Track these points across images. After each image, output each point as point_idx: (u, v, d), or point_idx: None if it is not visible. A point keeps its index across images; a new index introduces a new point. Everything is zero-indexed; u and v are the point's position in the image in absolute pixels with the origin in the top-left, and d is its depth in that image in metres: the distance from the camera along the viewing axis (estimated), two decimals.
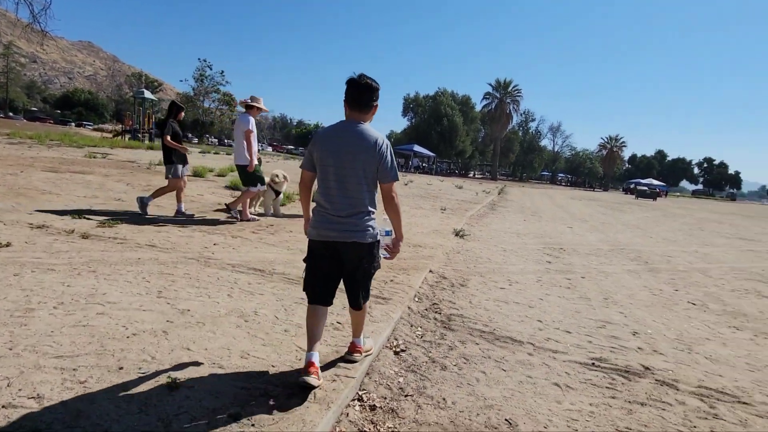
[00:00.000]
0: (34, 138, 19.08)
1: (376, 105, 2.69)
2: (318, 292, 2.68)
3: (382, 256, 2.83)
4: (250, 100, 7.15)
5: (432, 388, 2.87)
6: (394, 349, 3.38)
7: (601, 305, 5.11)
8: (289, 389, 2.46)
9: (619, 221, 16.59)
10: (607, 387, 3.13)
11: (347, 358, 2.89)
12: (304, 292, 2.73)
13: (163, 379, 2.40)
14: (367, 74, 2.65)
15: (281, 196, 8.34)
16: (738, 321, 5.06)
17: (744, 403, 3.08)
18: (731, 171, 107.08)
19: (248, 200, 7.52)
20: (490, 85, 61.43)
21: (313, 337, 2.61)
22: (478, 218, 12.52)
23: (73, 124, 68.67)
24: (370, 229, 2.61)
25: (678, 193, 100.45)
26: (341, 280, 2.75)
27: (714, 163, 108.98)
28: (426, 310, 4.28)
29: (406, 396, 2.74)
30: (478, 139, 67.88)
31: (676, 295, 6.00)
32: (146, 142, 30.50)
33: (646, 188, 50.65)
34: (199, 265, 4.57)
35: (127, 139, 31.48)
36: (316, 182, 2.75)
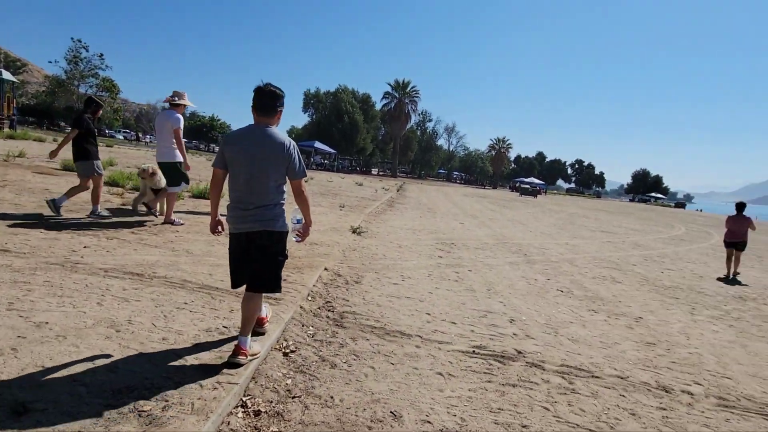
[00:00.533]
0: None
1: (281, 110, 2.97)
2: (241, 279, 2.98)
3: (294, 239, 3.26)
4: (175, 97, 6.68)
5: (320, 387, 2.88)
6: (283, 350, 3.32)
7: (484, 296, 5.51)
8: (164, 401, 2.30)
9: (504, 217, 18.00)
10: (484, 372, 3.39)
11: (231, 361, 2.81)
12: (234, 280, 3.01)
13: (7, 404, 2.11)
14: (272, 83, 2.93)
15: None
16: (596, 305, 5.78)
17: (596, 377, 3.53)
18: (597, 171, 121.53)
19: (173, 202, 6.95)
20: (390, 85, 63.10)
21: (246, 323, 2.94)
22: (376, 215, 12.78)
23: None
24: (279, 219, 2.92)
25: (555, 191, 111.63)
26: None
27: (584, 164, 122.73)
28: (319, 308, 4.27)
29: (293, 398, 2.71)
30: (378, 137, 69.22)
31: (548, 283, 6.67)
32: (5, 130, 26.36)
33: (528, 186, 55.54)
34: (63, 271, 4.08)
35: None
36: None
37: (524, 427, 2.70)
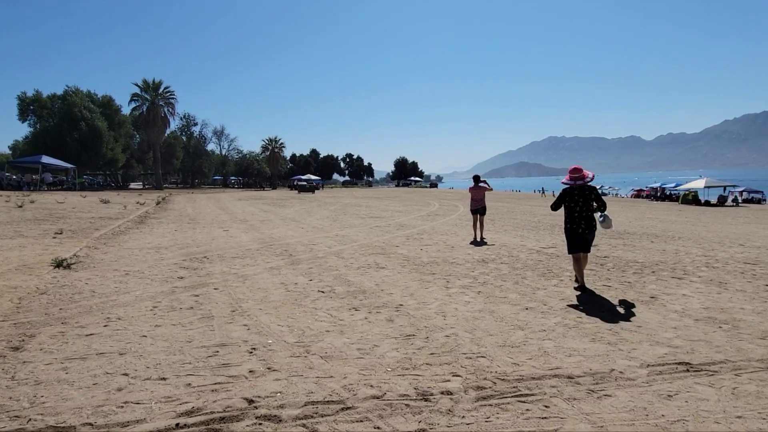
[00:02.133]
0: None
1: None
2: None
3: None
4: None
5: None
6: None
7: (224, 321, 4.33)
8: None
9: (278, 216, 17.07)
10: None
11: None
12: None
13: None
14: None
15: None
16: (357, 300, 5.21)
17: (347, 408, 2.74)
18: (366, 163, 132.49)
19: None
20: (137, 85, 54.85)
21: None
22: (111, 237, 10.21)
23: None
24: None
25: (332, 185, 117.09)
26: None
27: (354, 157, 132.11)
28: None
29: None
30: (133, 146, 59.97)
31: (309, 285, 5.89)
32: None
33: (305, 183, 56.16)
34: None
35: None
36: None
37: None
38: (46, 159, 34.33)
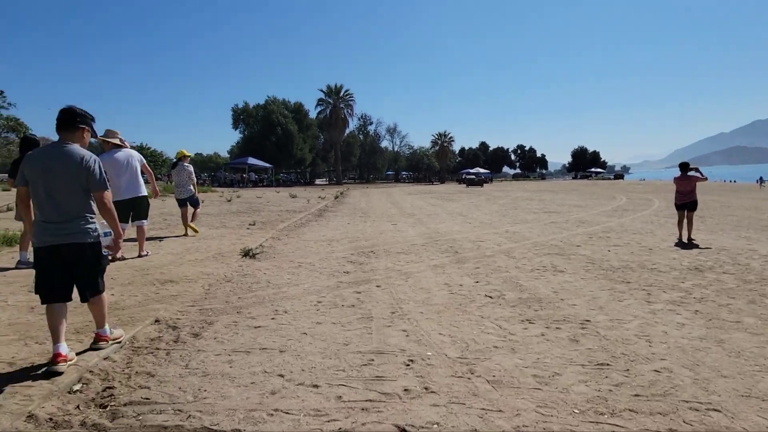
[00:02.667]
0: None
1: (83, 128, 3.15)
2: (51, 292, 3.01)
3: (105, 253, 3.27)
4: (113, 138, 6.81)
5: None
6: None
7: (383, 324, 4.05)
8: None
9: (445, 211, 16.82)
10: None
11: (93, 346, 3.22)
12: (38, 295, 3.03)
13: None
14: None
15: None
16: (532, 311, 4.45)
17: None
18: (539, 154, 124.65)
19: None
20: (322, 91, 61.22)
21: (56, 332, 2.96)
22: (293, 229, 11.15)
23: None
24: (88, 231, 3.08)
25: (502, 178, 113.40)
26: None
27: (526, 149, 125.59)
28: (80, 406, 2.63)
29: None
30: (318, 146, 67.14)
31: (475, 288, 5.32)
32: None
33: (474, 177, 55.32)
34: None
35: None
36: None
37: None
38: (251, 160, 40.58)
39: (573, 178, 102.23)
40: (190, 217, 9.48)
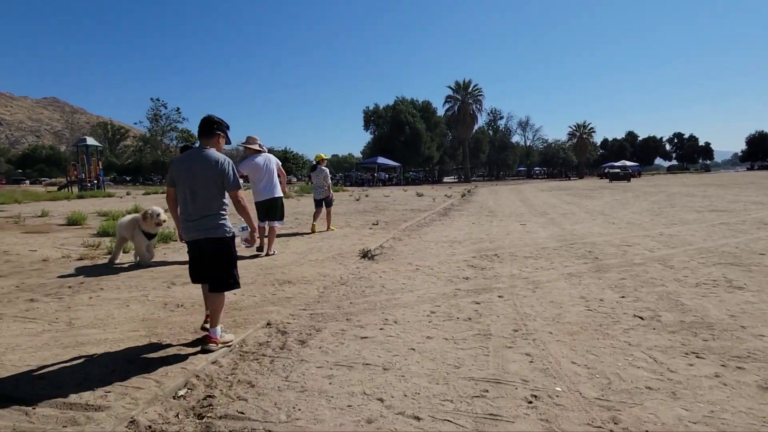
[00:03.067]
0: None
1: (220, 134, 3.53)
2: (197, 277, 3.51)
3: (244, 245, 3.82)
4: (253, 144, 7.31)
5: None
6: None
7: (502, 344, 3.50)
8: None
9: (583, 209, 15.19)
10: None
11: (203, 348, 3.32)
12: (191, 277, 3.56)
13: None
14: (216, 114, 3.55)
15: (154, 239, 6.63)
16: (699, 340, 3.50)
17: None
18: (702, 143, 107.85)
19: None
20: (450, 87, 60.54)
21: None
22: (415, 228, 10.93)
23: (27, 181, 65.05)
24: (221, 227, 3.39)
25: (653, 172, 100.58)
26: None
27: (684, 137, 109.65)
28: (179, 414, 2.59)
29: None
30: (447, 143, 66.66)
31: (620, 305, 4.43)
32: (73, 191, 28.10)
33: (618, 170, 49.86)
34: None
35: (75, 190, 28.79)
36: None
37: None
38: (380, 159, 41.85)
39: (748, 169, 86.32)
40: (325, 216, 10.36)
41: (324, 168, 10.38)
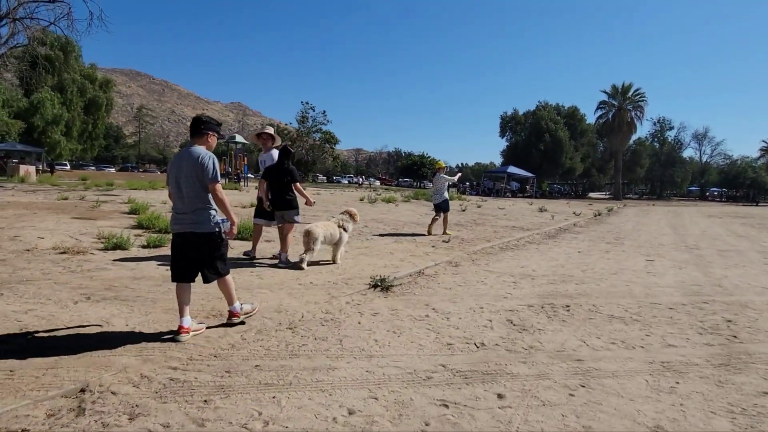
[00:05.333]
0: (85, 186, 19.73)
1: (208, 133, 3.65)
2: (178, 273, 3.55)
3: (224, 237, 3.68)
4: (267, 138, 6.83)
5: None
6: None
7: None
8: None
9: (756, 246, 11.13)
10: None
11: (227, 323, 3.73)
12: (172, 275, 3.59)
13: None
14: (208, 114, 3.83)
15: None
16: None
17: None
18: None
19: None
20: (605, 92, 53.27)
21: (181, 307, 3.50)
22: (492, 252, 8.71)
23: None
24: (206, 221, 3.49)
25: None
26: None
27: None
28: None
29: None
30: (596, 154, 58.99)
31: None
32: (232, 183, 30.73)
33: None
34: None
35: (226, 182, 31.74)
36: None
37: None
38: (511, 169, 38.56)
39: None
40: (441, 221, 10.73)
41: (443, 175, 10.80)
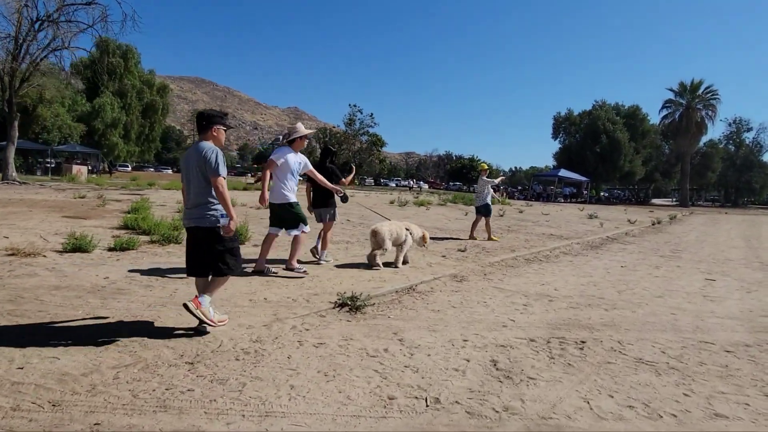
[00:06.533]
0: (134, 185, 20.12)
1: (213, 127, 3.60)
2: (189, 267, 3.62)
3: (222, 233, 3.56)
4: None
5: None
6: None
7: None
8: None
9: None
10: None
11: (186, 304, 3.39)
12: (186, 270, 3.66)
13: None
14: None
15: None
16: None
17: None
18: None
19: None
20: (672, 90, 48.96)
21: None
22: (513, 265, 7.49)
23: (250, 174, 76.04)
24: (209, 216, 3.46)
25: None
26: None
27: None
28: None
29: None
30: (660, 158, 54.32)
31: None
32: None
33: None
34: None
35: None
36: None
37: None
38: (563, 173, 36.20)
39: None
40: (484, 226, 10.38)
41: (485, 178, 10.69)
